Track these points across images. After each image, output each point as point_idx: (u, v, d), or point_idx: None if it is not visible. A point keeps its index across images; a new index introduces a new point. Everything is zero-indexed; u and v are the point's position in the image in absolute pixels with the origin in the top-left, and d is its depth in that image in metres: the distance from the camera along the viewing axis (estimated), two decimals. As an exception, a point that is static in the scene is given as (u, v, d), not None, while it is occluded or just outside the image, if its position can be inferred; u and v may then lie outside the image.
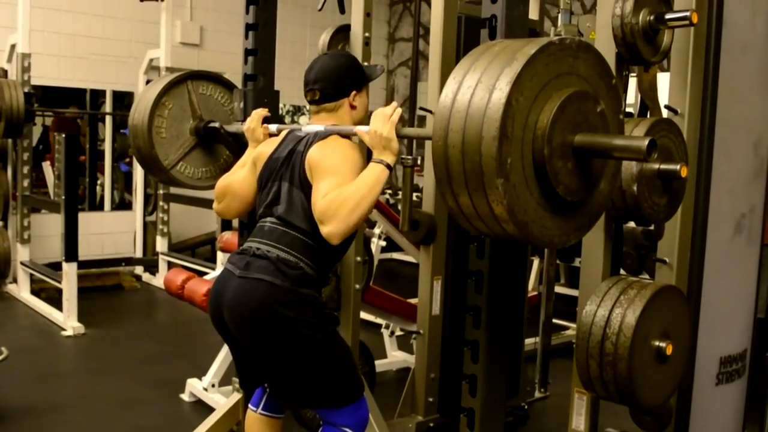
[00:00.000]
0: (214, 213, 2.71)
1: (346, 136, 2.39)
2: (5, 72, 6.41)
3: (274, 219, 2.38)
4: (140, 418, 3.88)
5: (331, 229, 2.13)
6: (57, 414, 3.93)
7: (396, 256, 8.44)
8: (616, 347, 2.07)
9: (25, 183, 6.37)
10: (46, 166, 7.62)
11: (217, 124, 3.14)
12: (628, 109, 2.95)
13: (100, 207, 8.03)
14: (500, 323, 2.45)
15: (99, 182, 8.12)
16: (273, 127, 2.65)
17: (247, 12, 3.16)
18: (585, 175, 1.82)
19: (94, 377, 4.56)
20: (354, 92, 2.49)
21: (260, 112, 2.70)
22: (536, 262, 5.97)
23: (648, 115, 2.40)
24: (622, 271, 2.61)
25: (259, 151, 2.58)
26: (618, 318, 2.09)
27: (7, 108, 5.84)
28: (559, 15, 4.23)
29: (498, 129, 1.65)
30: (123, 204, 8.09)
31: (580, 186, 1.82)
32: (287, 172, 2.39)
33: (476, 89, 1.72)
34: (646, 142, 1.66)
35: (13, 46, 6.30)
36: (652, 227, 2.57)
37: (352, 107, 2.49)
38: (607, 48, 2.30)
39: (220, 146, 3.24)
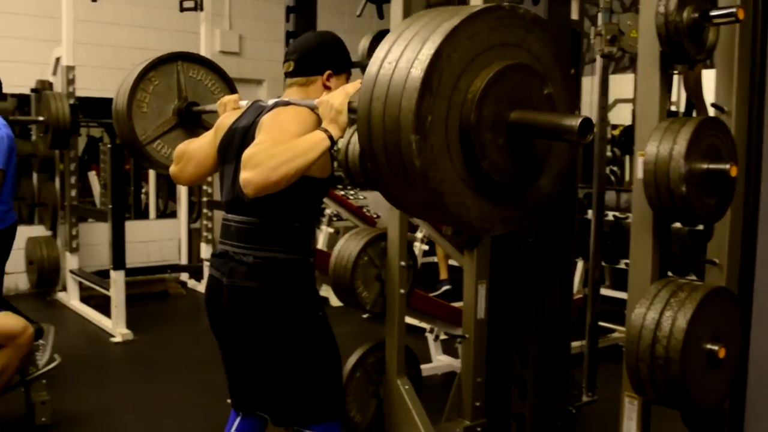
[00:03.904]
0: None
1: (308, 107, 2.27)
2: (51, 84, 6.54)
3: (238, 217, 2.31)
4: (188, 423, 3.93)
5: (249, 176, 1.97)
6: (108, 418, 4.00)
7: (435, 259, 8.41)
8: (668, 350, 2.05)
9: (73, 193, 6.48)
10: (92, 175, 7.75)
11: (201, 108, 3.10)
12: (672, 108, 2.92)
13: (145, 215, 8.15)
14: (549, 327, 2.43)
15: (143, 191, 8.24)
16: (243, 103, 2.56)
17: (287, 20, 3.19)
18: (519, 158, 1.68)
19: (143, 383, 4.63)
20: (329, 72, 2.37)
21: (237, 96, 2.65)
22: (581, 264, 5.91)
23: (694, 114, 2.37)
24: (669, 273, 2.57)
25: (221, 120, 2.50)
26: (668, 321, 2.06)
27: (54, 120, 5.94)
28: (599, 14, 4.19)
29: (421, 80, 1.51)
30: (167, 212, 8.21)
31: (510, 168, 1.67)
32: (245, 145, 2.22)
33: (411, 41, 1.59)
34: (579, 120, 1.54)
35: (57, 59, 6.42)
36: (699, 228, 2.53)
37: (326, 88, 2.35)
38: (650, 46, 2.28)
39: (202, 131, 3.21)
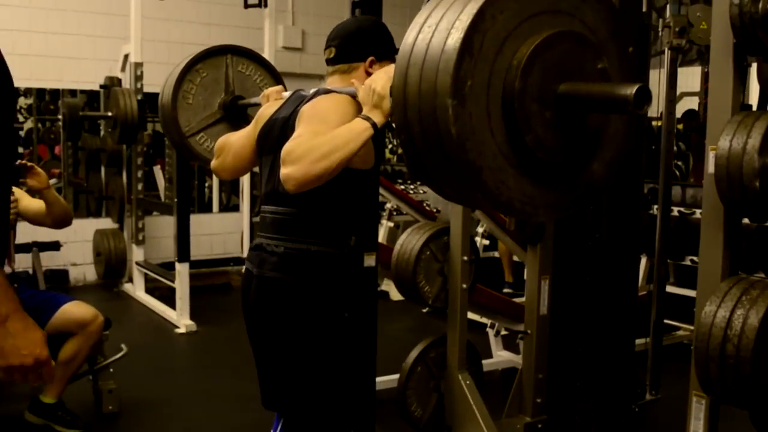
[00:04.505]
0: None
1: (349, 95, 2.14)
2: (119, 81, 6.70)
3: (273, 207, 2.23)
4: (251, 413, 3.97)
5: (289, 172, 1.87)
6: (173, 408, 4.09)
7: (496, 254, 8.37)
8: (738, 350, 2.00)
9: (139, 186, 6.63)
10: (157, 170, 7.92)
11: (246, 101, 3.03)
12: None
13: (208, 208, 8.29)
14: (616, 324, 2.40)
15: (207, 184, 8.38)
16: (287, 94, 2.46)
17: (353, 14, 3.20)
18: (568, 135, 1.53)
19: (207, 373, 4.72)
20: (372, 59, 2.23)
21: (280, 87, 2.58)
22: (644, 260, 5.81)
23: (769, 108, 2.31)
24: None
25: (262, 110, 2.41)
26: (740, 319, 2.01)
27: (122, 115, 6.07)
28: (668, 5, 4.11)
29: (461, 40, 1.38)
30: (230, 205, 8.33)
31: (557, 145, 1.51)
32: (284, 137, 2.11)
33: (453, 4, 1.46)
34: (635, 88, 1.39)
35: (126, 56, 6.56)
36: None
37: (368, 75, 2.17)
38: (723, 38, 2.23)
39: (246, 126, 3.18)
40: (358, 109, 2.04)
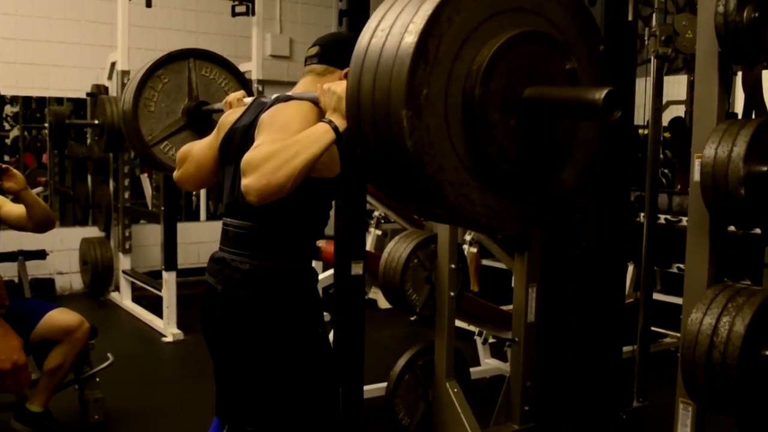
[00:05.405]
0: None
1: (311, 101, 2.05)
2: (106, 89, 6.67)
3: (235, 221, 2.15)
4: (239, 423, 3.97)
5: (249, 182, 1.78)
6: (160, 418, 4.07)
7: (485, 262, 8.37)
8: (725, 357, 2.01)
9: (126, 195, 6.61)
10: (144, 178, 7.88)
11: (209, 107, 2.95)
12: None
13: (195, 217, 8.26)
14: (603, 331, 2.41)
15: (194, 193, 8.34)
16: (248, 100, 2.38)
17: (340, 24, 3.21)
18: (535, 144, 1.42)
19: (195, 382, 4.68)
20: (348, 70, 2.19)
21: (242, 93, 2.48)
22: (631, 267, 5.82)
23: (753, 116, 2.32)
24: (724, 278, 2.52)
25: (223, 118, 2.32)
26: (726, 327, 2.02)
27: (109, 123, 6.03)
28: (653, 14, 4.14)
29: (414, 45, 1.28)
30: (217, 213, 8.30)
31: (523, 154, 1.40)
32: (245, 146, 2.01)
33: (408, 5, 1.35)
34: (604, 93, 1.27)
35: (113, 64, 6.54)
36: (755, 231, 2.47)
37: None
38: (708, 47, 2.25)
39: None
40: (320, 115, 1.96)
